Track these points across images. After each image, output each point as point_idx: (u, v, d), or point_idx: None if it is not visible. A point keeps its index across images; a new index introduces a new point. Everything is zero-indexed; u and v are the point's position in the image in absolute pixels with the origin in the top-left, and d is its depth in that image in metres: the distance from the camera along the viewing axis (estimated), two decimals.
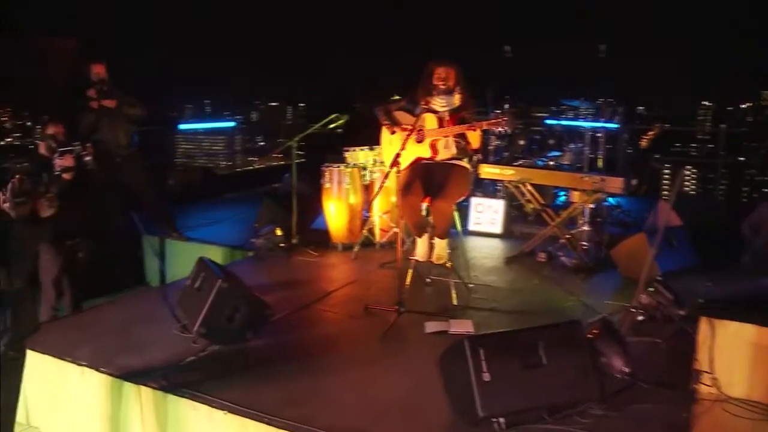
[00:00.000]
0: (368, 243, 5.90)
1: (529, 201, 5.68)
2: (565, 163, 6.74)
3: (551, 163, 6.75)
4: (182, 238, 6.39)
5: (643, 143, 6.81)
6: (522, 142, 6.96)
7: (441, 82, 4.39)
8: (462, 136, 4.34)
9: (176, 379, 3.38)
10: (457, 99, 4.43)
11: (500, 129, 4.11)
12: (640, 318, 3.82)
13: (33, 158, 4.61)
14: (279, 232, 5.79)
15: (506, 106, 4.07)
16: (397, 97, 4.73)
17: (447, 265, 4.53)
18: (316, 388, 3.31)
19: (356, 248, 5.70)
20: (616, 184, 5.02)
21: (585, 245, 5.68)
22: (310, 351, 3.80)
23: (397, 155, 3.88)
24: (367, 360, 3.68)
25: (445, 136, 4.34)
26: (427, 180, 4.31)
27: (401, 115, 4.55)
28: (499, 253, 5.91)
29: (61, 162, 4.45)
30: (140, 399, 3.35)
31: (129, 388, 3.40)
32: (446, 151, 4.40)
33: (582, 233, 5.68)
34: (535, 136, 7.11)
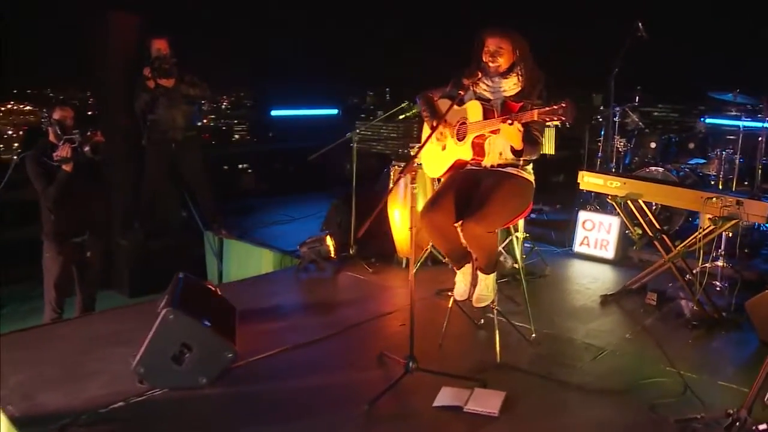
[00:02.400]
0: (439, 260, 4.86)
1: (638, 223, 4.29)
2: (711, 173, 5.22)
3: (689, 172, 5.29)
4: (231, 237, 5.77)
5: None
6: (653, 145, 5.48)
7: (490, 59, 3.23)
8: (525, 132, 3.13)
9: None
10: (513, 83, 3.25)
11: (555, 122, 2.87)
12: None
13: (38, 145, 4.13)
14: (329, 242, 4.92)
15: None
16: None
17: (492, 308, 3.39)
18: None
19: (415, 267, 4.68)
20: (759, 210, 3.55)
21: (718, 286, 4.25)
22: (274, 411, 2.91)
23: (414, 156, 2.82)
24: None
25: (492, 132, 3.17)
26: (465, 193, 3.18)
27: (444, 105, 3.42)
28: (599, 286, 4.59)
29: (57, 153, 3.94)
30: None
31: None
32: (495, 153, 3.24)
33: (715, 269, 4.25)
34: (673, 138, 5.58)
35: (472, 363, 3.33)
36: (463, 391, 2.97)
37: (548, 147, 4.75)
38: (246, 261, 5.68)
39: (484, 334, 3.71)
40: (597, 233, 5.18)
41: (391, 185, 4.92)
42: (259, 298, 4.43)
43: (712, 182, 5.14)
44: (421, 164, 3.68)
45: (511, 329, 3.61)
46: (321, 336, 3.68)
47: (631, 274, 4.60)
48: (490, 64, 3.20)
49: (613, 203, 4.23)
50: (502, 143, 3.17)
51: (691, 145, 5.43)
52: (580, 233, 5.31)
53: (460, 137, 3.30)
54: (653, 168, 5.26)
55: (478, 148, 3.25)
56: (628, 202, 4.20)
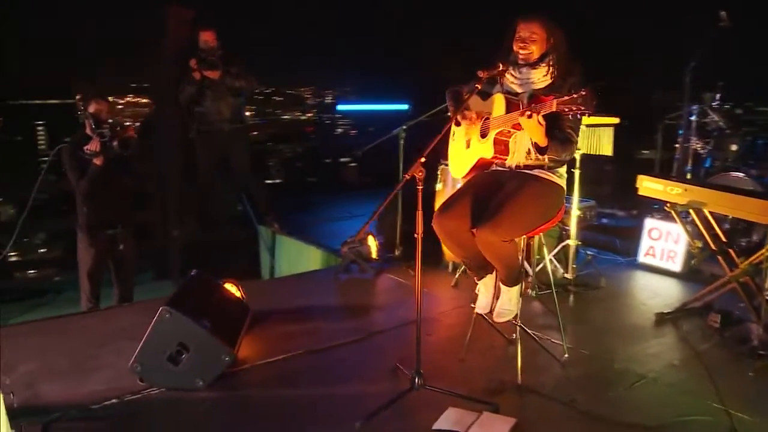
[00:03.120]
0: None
1: (701, 235, 3.82)
2: None
3: None
4: (283, 233, 5.69)
5: None
6: (734, 147, 4.92)
7: (521, 47, 2.91)
8: (556, 128, 2.78)
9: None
10: (543, 74, 2.91)
11: (574, 113, 2.50)
12: None
13: (74, 138, 4.18)
14: (371, 242, 4.73)
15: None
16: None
17: (515, 325, 3.08)
18: None
19: (458, 273, 4.41)
20: None
21: None
22: (262, 420, 2.76)
23: (422, 155, 2.57)
24: None
25: (515, 128, 2.84)
26: (484, 196, 2.88)
27: (475, 100, 3.12)
28: (657, 303, 4.14)
29: (88, 146, 3.98)
30: None
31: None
32: (521, 151, 2.90)
33: None
34: (759, 140, 4.98)
35: (491, 382, 3.04)
36: (470, 414, 2.70)
37: (606, 148, 4.34)
38: (296, 258, 5.60)
39: (514, 351, 3.39)
40: (664, 243, 4.70)
41: (438, 186, 4.66)
42: (289, 297, 4.32)
43: None
44: (446, 163, 3.41)
45: (543, 347, 3.30)
46: (339, 342, 3.50)
47: (699, 290, 4.12)
48: (521, 52, 2.88)
49: (672, 212, 3.79)
50: (528, 140, 2.84)
51: None
52: (645, 242, 4.84)
53: (483, 134, 3.01)
54: (732, 173, 4.72)
55: (501, 146, 2.94)
56: (690, 211, 3.76)
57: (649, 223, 4.81)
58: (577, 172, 4.16)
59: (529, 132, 2.72)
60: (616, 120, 4.27)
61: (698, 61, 4.76)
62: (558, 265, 4.32)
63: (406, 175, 2.63)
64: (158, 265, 6.21)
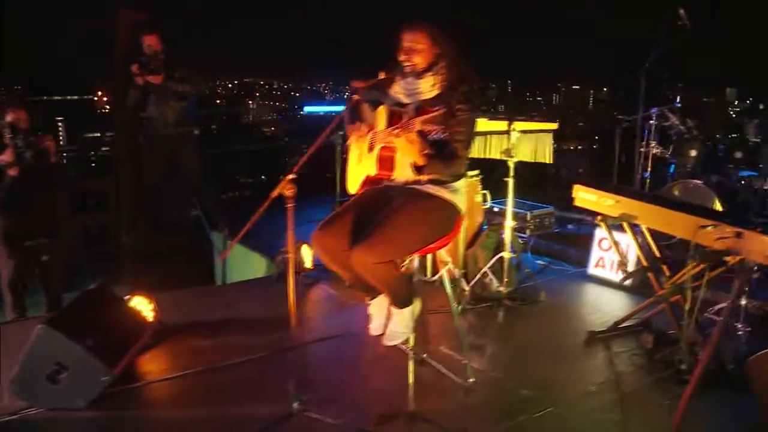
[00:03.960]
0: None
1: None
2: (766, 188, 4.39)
3: (741, 186, 4.48)
4: (229, 237, 5.55)
5: None
6: (693, 153, 4.67)
7: (405, 58, 2.72)
8: (440, 144, 2.58)
9: None
10: (429, 86, 2.71)
11: (435, 132, 2.29)
12: None
13: None
14: (306, 251, 4.57)
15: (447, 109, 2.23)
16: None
17: (407, 350, 2.90)
18: None
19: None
20: (760, 247, 2.82)
21: (740, 330, 3.53)
22: None
23: (292, 171, 2.41)
24: None
25: (391, 142, 2.65)
26: (369, 213, 2.69)
27: (366, 109, 2.94)
28: (595, 319, 3.93)
29: (1, 157, 3.88)
30: None
31: None
32: (405, 168, 2.70)
33: (735, 309, 3.52)
34: (719, 145, 4.72)
35: (387, 408, 2.87)
36: None
37: (544, 155, 4.13)
38: (244, 265, 5.47)
39: (420, 373, 3.21)
40: (613, 254, 4.48)
41: None
42: (213, 308, 4.19)
43: None
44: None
45: (452, 369, 3.12)
46: (244, 358, 3.35)
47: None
48: (405, 63, 2.70)
49: (602, 225, 3.58)
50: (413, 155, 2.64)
51: (738, 155, 4.55)
52: (595, 253, 4.62)
53: (370, 148, 2.83)
54: (691, 181, 4.48)
55: (385, 162, 2.75)
56: (624, 224, 3.54)
57: (600, 232, 4.59)
58: (510, 181, 3.94)
59: (402, 151, 2.54)
60: (554, 126, 4.06)
61: (654, 61, 4.51)
62: (493, 278, 4.12)
63: (273, 194, 2.48)
64: (111, 269, 6.13)
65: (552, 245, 5.13)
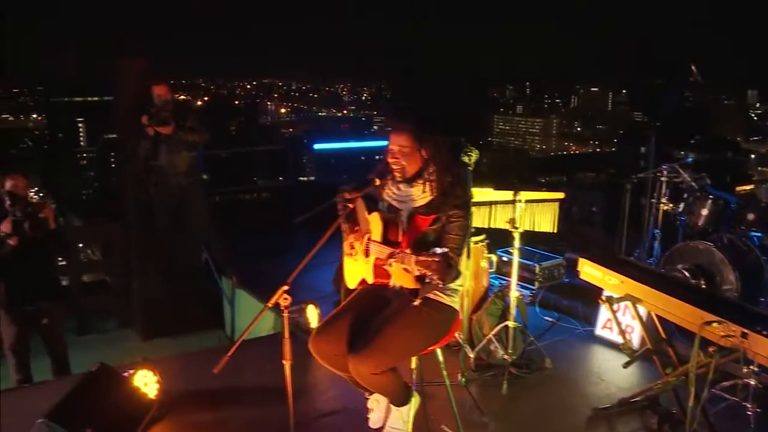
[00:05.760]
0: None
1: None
2: None
3: (750, 248, 4.40)
4: (240, 286, 5.58)
5: None
6: (704, 212, 4.60)
7: (393, 161, 2.70)
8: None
9: None
10: (420, 192, 2.68)
11: (429, 277, 2.26)
12: None
13: None
14: (312, 311, 4.54)
15: (438, 250, 2.17)
16: None
17: None
18: None
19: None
20: (765, 350, 2.77)
21: (749, 410, 3.47)
22: None
23: (285, 283, 2.41)
24: None
25: (387, 262, 2.60)
26: (367, 315, 2.68)
27: (361, 208, 2.90)
28: (599, 391, 3.88)
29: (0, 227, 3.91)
30: None
31: None
32: (403, 274, 2.69)
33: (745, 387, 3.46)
34: (732, 204, 4.63)
35: None
36: None
37: (550, 224, 4.09)
38: (251, 314, 5.48)
39: None
40: (621, 317, 4.42)
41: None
42: (214, 374, 4.18)
43: None
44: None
45: None
46: None
47: (655, 374, 3.84)
48: (393, 167, 2.68)
49: (606, 305, 3.54)
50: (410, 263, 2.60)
51: (751, 216, 4.47)
52: (603, 314, 4.57)
53: (366, 253, 2.81)
54: (701, 243, 4.42)
55: (381, 271, 2.73)
56: (629, 303, 3.50)
57: (607, 293, 4.52)
58: (516, 252, 3.91)
59: (395, 276, 2.53)
60: (560, 195, 4.02)
61: (664, 119, 4.45)
62: (498, 346, 4.09)
63: (269, 304, 2.48)
64: (122, 313, 6.18)
65: (560, 300, 5.08)
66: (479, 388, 3.91)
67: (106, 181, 41.13)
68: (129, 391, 3.43)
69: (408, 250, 2.43)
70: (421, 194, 2.67)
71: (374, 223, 2.75)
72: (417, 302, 2.52)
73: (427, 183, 2.65)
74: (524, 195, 3.88)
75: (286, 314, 2.50)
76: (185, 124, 5.21)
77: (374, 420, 2.93)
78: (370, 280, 2.76)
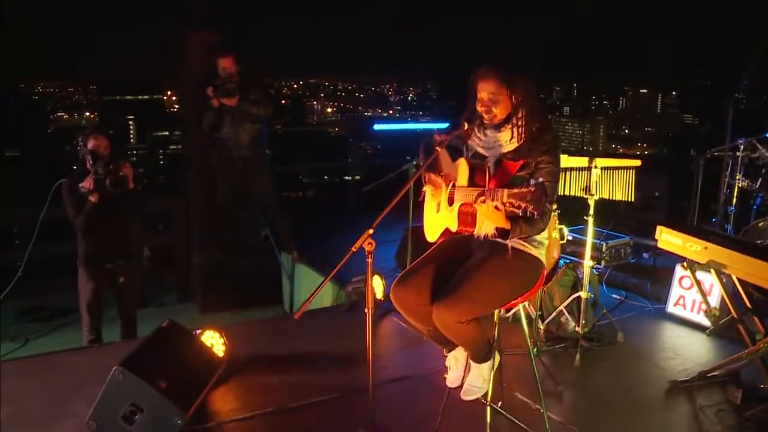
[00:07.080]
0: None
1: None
2: None
3: None
4: (301, 261, 5.56)
5: None
6: None
7: (483, 110, 2.63)
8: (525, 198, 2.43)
9: None
10: (508, 137, 2.61)
11: (523, 210, 2.19)
12: None
13: (74, 173, 4.19)
14: (378, 282, 4.52)
15: (533, 181, 2.08)
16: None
17: (485, 404, 2.80)
18: None
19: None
20: None
21: None
22: None
23: (371, 227, 2.37)
24: None
25: (477, 201, 2.52)
26: (450, 266, 2.61)
27: (444, 157, 2.84)
28: (676, 365, 3.75)
29: (82, 183, 3.98)
30: None
31: None
32: (489, 225, 2.62)
33: None
34: None
35: None
36: None
37: (622, 192, 3.95)
38: (310, 290, 5.47)
39: (496, 423, 3.11)
40: (695, 294, 4.26)
41: None
42: (282, 340, 4.18)
43: None
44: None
45: (528, 420, 3.01)
46: (314, 399, 3.33)
47: (732, 351, 3.69)
48: (484, 115, 2.60)
49: (689, 272, 3.40)
50: (495, 214, 2.52)
51: None
52: (675, 291, 4.42)
53: (450, 201, 2.74)
54: None
55: (467, 218, 2.65)
56: (712, 271, 3.36)
57: (680, 271, 4.38)
58: (590, 220, 3.80)
59: (485, 217, 2.45)
60: (637, 162, 3.88)
61: (743, 90, 4.27)
62: (569, 318, 3.98)
63: (353, 248, 2.43)
64: (182, 287, 6.24)
65: (628, 278, 4.94)
66: (550, 359, 3.81)
67: (155, 177, 41.90)
68: (198, 348, 3.44)
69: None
70: (509, 140, 2.60)
71: (462, 168, 2.68)
72: (508, 242, 2.45)
73: (515, 128, 2.57)
74: (600, 161, 3.77)
75: (370, 260, 2.45)
76: (250, 97, 5.22)
77: (452, 379, 2.85)
78: (454, 228, 2.69)
